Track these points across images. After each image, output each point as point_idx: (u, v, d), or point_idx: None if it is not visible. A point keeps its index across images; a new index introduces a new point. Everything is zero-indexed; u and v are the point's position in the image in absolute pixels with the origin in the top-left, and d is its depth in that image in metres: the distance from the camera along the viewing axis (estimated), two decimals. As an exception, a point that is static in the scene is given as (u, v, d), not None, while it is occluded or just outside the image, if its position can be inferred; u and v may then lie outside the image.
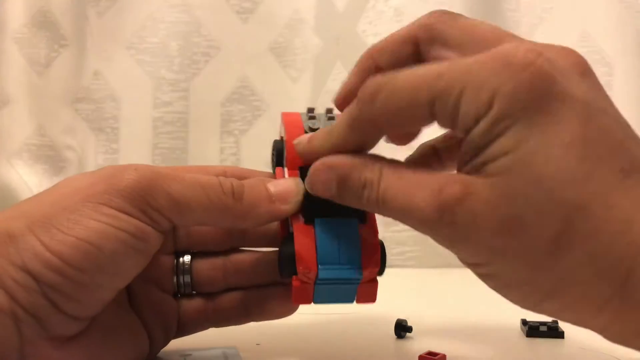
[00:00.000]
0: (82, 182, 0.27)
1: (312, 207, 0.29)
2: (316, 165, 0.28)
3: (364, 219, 0.30)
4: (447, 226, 0.23)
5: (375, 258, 0.29)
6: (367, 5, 0.70)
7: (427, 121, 0.25)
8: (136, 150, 0.73)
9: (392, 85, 0.25)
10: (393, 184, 0.25)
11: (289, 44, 0.73)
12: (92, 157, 0.74)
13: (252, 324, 0.34)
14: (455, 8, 0.68)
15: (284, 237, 0.31)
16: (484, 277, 0.25)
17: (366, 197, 0.26)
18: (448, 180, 0.24)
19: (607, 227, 0.22)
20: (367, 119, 0.26)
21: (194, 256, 0.33)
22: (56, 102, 0.74)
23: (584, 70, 0.24)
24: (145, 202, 0.26)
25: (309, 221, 0.29)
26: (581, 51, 0.25)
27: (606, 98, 0.24)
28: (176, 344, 0.33)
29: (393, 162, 0.27)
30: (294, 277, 0.29)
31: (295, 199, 0.29)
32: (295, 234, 0.29)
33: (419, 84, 0.24)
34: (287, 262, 0.29)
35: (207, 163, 0.71)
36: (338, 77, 0.71)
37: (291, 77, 0.74)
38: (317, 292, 0.29)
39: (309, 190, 0.29)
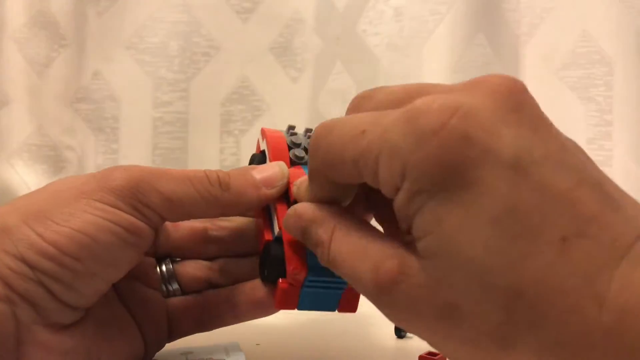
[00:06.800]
0: (74, 182, 0.28)
1: None
2: (290, 209, 0.27)
3: None
4: (387, 306, 0.22)
5: None
6: (367, 5, 0.70)
7: (359, 179, 0.23)
8: (136, 150, 0.73)
9: (328, 141, 0.24)
10: (341, 248, 0.24)
11: (289, 44, 0.73)
12: (92, 157, 0.74)
13: (252, 324, 0.34)
14: (455, 8, 0.68)
15: (268, 242, 0.31)
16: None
17: (319, 255, 0.25)
18: (386, 254, 0.22)
19: (553, 312, 0.18)
20: (316, 170, 0.26)
21: (176, 261, 0.34)
22: (56, 102, 0.74)
23: (516, 104, 0.21)
24: (136, 199, 0.27)
25: None
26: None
27: (545, 130, 0.21)
28: (178, 342, 0.33)
29: (347, 222, 0.25)
30: (280, 279, 0.29)
31: (281, 182, 0.30)
32: (284, 237, 0.29)
33: (346, 141, 0.23)
34: (275, 264, 0.29)
35: (207, 163, 0.71)
36: (338, 77, 0.71)
37: (291, 77, 0.74)
38: (302, 296, 0.29)
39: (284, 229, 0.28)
